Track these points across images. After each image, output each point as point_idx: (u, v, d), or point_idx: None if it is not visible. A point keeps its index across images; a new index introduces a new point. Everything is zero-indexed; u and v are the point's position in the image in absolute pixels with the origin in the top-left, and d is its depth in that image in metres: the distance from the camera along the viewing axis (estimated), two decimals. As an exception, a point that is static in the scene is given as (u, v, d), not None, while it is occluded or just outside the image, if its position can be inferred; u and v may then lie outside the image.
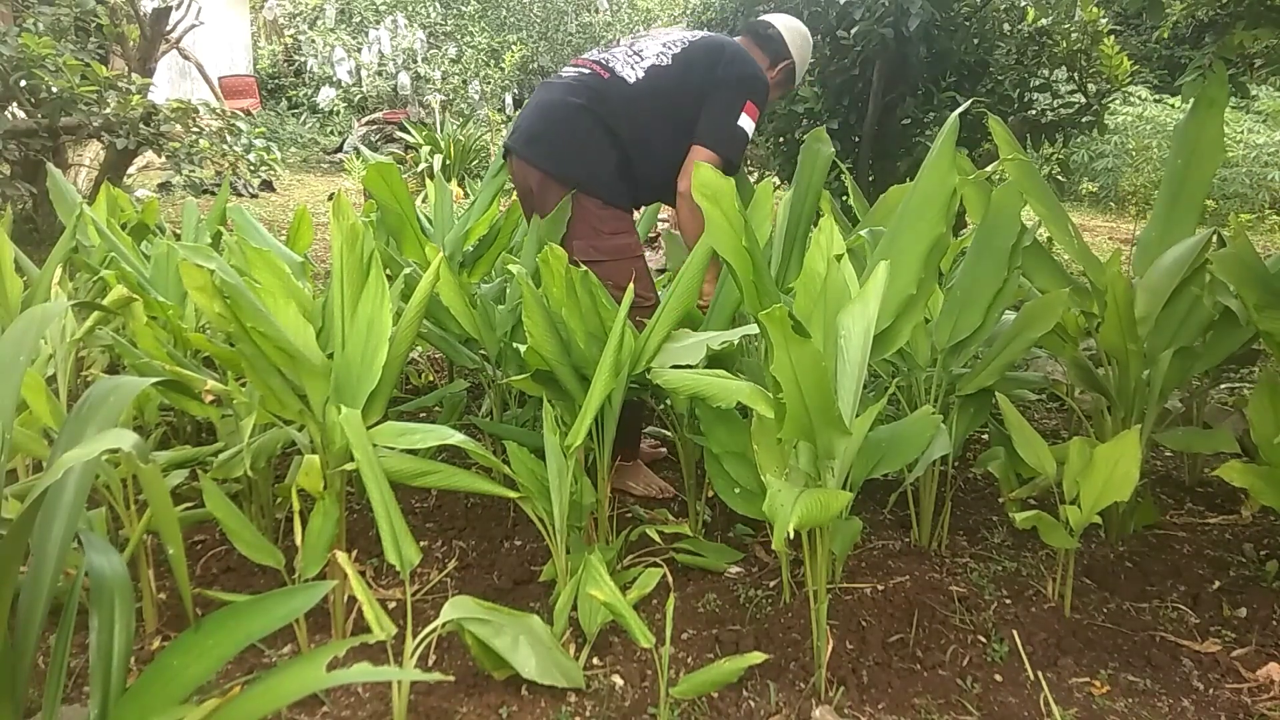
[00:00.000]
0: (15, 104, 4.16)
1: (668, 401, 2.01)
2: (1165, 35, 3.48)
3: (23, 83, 3.87)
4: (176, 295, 2.23)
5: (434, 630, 1.42)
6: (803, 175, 2.29)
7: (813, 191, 2.27)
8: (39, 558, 1.08)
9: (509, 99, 10.69)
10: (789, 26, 2.39)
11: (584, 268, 2.02)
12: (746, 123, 2.16)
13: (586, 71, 2.21)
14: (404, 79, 9.95)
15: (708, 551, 1.93)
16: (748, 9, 5.33)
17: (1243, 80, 3.37)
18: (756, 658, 1.50)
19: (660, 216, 4.62)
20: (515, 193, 2.37)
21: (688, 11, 8.26)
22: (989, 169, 1.79)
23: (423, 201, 5.58)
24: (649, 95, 2.15)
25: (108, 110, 4.06)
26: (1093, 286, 1.94)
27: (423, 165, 7.78)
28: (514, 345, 2.04)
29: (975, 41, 4.39)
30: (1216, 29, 2.58)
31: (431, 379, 3.14)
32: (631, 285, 1.81)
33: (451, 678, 1.52)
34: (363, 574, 1.85)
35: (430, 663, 1.59)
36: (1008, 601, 1.78)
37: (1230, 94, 3.17)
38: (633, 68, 2.18)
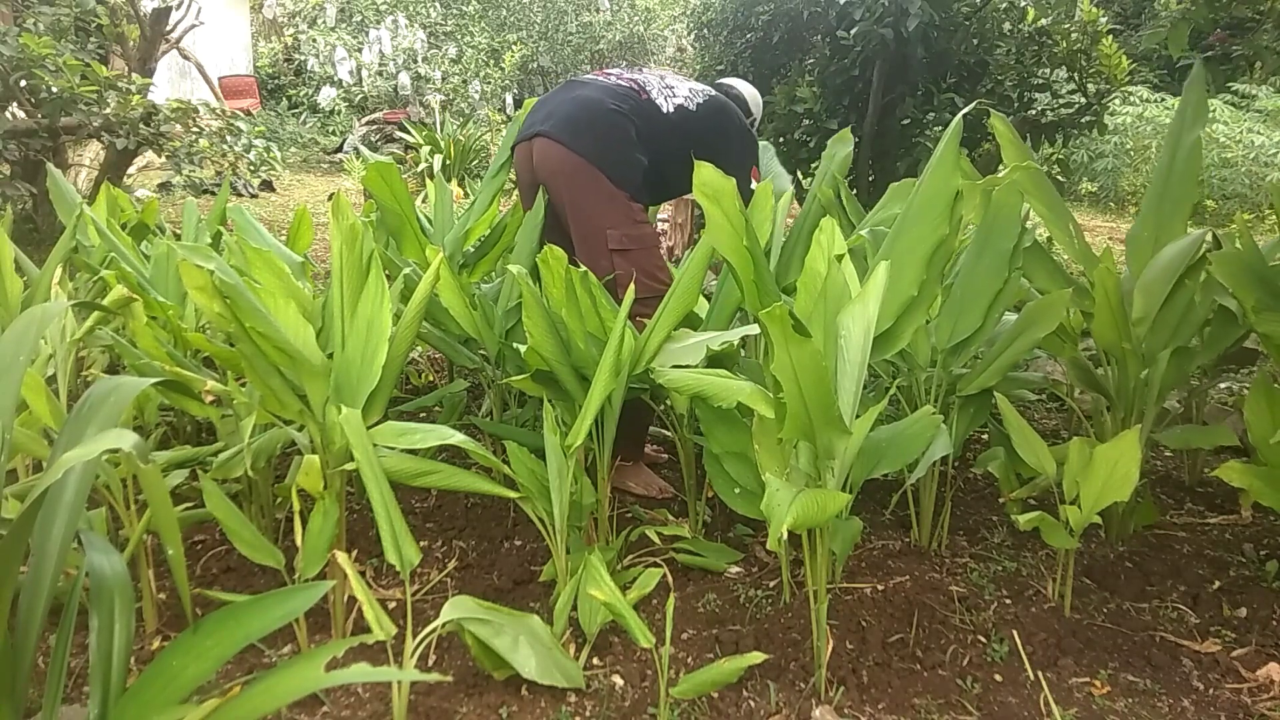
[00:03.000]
0: (15, 104, 4.16)
1: (667, 401, 2.01)
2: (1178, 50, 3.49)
3: (23, 83, 3.87)
4: (176, 295, 2.23)
5: (434, 630, 1.42)
6: (817, 177, 2.31)
7: (826, 190, 2.29)
8: (39, 558, 1.08)
9: (509, 99, 10.68)
10: (746, 89, 2.68)
11: (605, 257, 2.16)
12: (753, 184, 2.40)
13: (624, 85, 2.29)
14: (404, 79, 9.95)
15: (708, 551, 1.93)
16: (747, 8, 5.33)
17: (1235, 79, 3.38)
18: (756, 658, 1.50)
19: (660, 216, 4.63)
20: (519, 183, 2.38)
21: (688, 12, 8.26)
22: (998, 175, 1.78)
23: (423, 201, 5.58)
24: (675, 132, 2.27)
25: (108, 110, 4.07)
26: (1091, 286, 1.94)
27: (423, 165, 7.78)
28: (514, 345, 2.04)
29: (975, 41, 4.40)
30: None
31: (431, 379, 3.14)
32: (633, 286, 1.81)
33: (451, 678, 1.52)
34: (363, 574, 1.86)
35: (430, 663, 1.59)
36: (1008, 601, 1.78)
37: (1216, 87, 3.17)
38: (666, 100, 2.31)
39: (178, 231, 3.53)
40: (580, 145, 2.17)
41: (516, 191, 2.36)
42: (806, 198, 2.32)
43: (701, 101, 2.37)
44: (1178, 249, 1.79)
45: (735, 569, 1.91)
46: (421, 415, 2.77)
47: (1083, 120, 4.40)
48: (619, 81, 2.30)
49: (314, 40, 10.63)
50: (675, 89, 2.36)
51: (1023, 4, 4.34)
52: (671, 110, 2.29)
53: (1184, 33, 1.97)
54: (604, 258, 2.13)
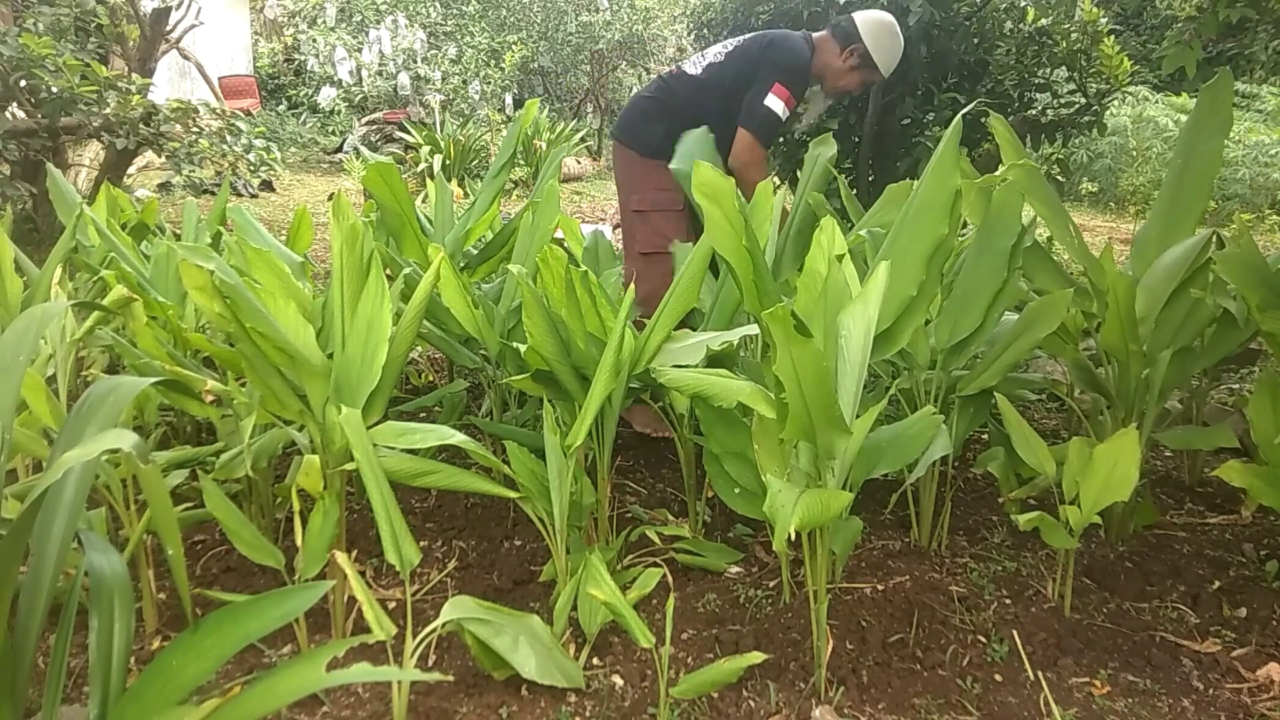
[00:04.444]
0: (15, 104, 4.16)
1: (667, 400, 2.01)
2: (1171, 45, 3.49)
3: (23, 83, 3.87)
4: (176, 295, 2.23)
5: (434, 630, 1.42)
6: (804, 174, 2.30)
7: (813, 190, 2.27)
8: (39, 558, 1.08)
9: (509, 99, 10.68)
10: (865, 16, 2.63)
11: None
12: (774, 103, 2.47)
13: (666, 73, 2.74)
14: (404, 79, 9.95)
15: (708, 551, 1.93)
16: (747, 8, 5.33)
17: (1235, 78, 3.38)
18: (756, 658, 1.50)
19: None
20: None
21: (688, 12, 8.25)
22: (995, 176, 1.78)
23: (423, 201, 5.58)
24: (705, 88, 2.58)
25: (108, 110, 4.07)
26: (1093, 287, 1.94)
27: (423, 165, 7.78)
28: (514, 345, 2.04)
29: (975, 41, 4.39)
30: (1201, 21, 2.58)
31: (431, 379, 3.14)
32: (633, 287, 1.81)
33: (451, 678, 1.52)
34: (363, 574, 1.86)
35: (430, 663, 1.59)
36: (1008, 601, 1.78)
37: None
38: (695, 66, 2.64)
39: (178, 231, 3.53)
40: (617, 133, 2.69)
41: (516, 192, 2.40)
42: (795, 200, 2.31)
43: (732, 49, 2.60)
44: (1181, 250, 1.79)
45: (735, 569, 1.91)
46: (421, 415, 2.77)
47: (1083, 120, 4.40)
48: (666, 70, 2.77)
49: (314, 40, 10.63)
50: (708, 52, 2.65)
51: (1023, 4, 4.34)
52: (700, 72, 2.60)
53: (1198, 52, 2.00)
54: (628, 220, 2.59)
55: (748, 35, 2.64)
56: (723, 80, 2.55)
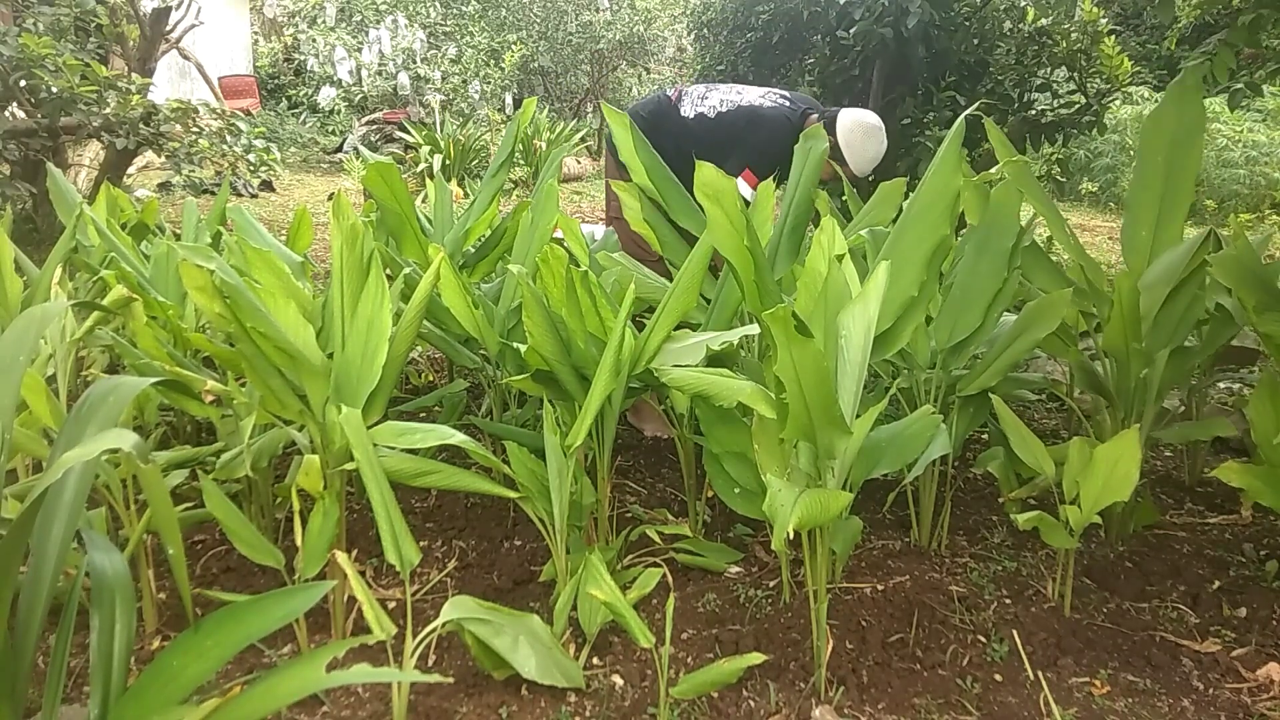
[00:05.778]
0: (15, 104, 4.16)
1: (667, 400, 2.01)
2: (1172, 46, 3.49)
3: (23, 83, 3.87)
4: (176, 295, 2.23)
5: (434, 630, 1.42)
6: (795, 171, 2.27)
7: (804, 189, 2.25)
8: (39, 558, 1.08)
9: (509, 99, 10.68)
10: (848, 113, 2.70)
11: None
12: (742, 187, 2.58)
13: (667, 94, 2.84)
14: (404, 79, 9.94)
15: (708, 551, 1.93)
16: (747, 8, 5.34)
17: (1255, 81, 3.37)
18: (756, 658, 1.50)
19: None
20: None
21: (688, 12, 8.25)
22: (991, 172, 1.78)
23: (423, 201, 5.58)
24: (689, 133, 2.72)
25: (108, 110, 4.06)
26: (1091, 287, 1.94)
27: (423, 165, 7.77)
28: (514, 345, 2.04)
29: (975, 41, 4.40)
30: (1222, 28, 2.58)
31: (431, 379, 3.14)
32: (632, 286, 1.81)
33: (451, 679, 1.52)
34: (363, 574, 1.85)
35: (430, 663, 1.59)
36: (1008, 601, 1.78)
37: (1245, 95, 3.20)
38: (692, 107, 2.76)
39: (178, 231, 3.53)
40: (611, 140, 2.68)
41: (516, 192, 2.41)
42: (784, 196, 2.29)
43: (725, 111, 2.72)
44: (1181, 250, 1.79)
45: (735, 569, 1.91)
46: (421, 415, 2.77)
47: (1083, 120, 4.41)
48: (669, 91, 2.84)
49: (314, 40, 10.62)
50: (708, 98, 2.75)
51: (1023, 4, 4.34)
52: (691, 116, 2.73)
53: (1229, 60, 2.01)
54: (612, 224, 2.75)
55: (741, 102, 2.71)
56: (704, 135, 2.70)
